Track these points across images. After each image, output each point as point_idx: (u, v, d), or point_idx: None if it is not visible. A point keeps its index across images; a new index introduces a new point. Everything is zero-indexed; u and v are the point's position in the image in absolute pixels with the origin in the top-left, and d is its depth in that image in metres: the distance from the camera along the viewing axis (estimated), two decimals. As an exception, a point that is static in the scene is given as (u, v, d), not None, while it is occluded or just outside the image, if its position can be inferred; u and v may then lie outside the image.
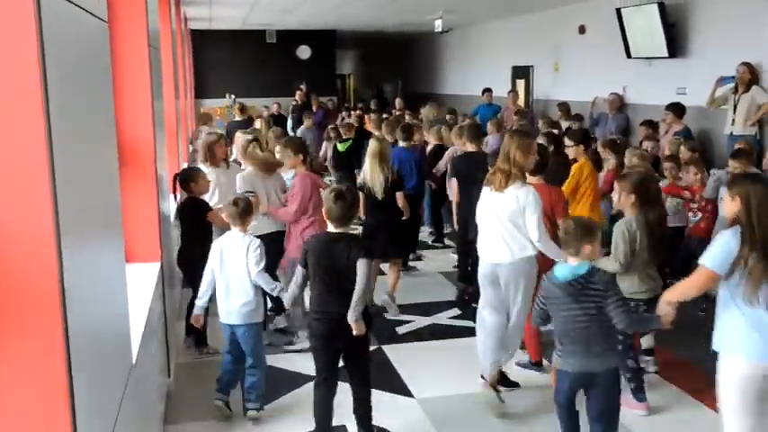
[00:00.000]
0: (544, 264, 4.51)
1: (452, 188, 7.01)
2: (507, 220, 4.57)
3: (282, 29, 19.22)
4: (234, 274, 4.47)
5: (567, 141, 6.85)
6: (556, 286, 3.65)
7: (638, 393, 4.59)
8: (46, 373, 1.90)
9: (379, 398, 4.85)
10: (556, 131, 8.63)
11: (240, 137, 6.42)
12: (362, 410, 4.18)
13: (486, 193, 4.71)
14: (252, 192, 5.35)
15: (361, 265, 3.92)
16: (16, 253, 1.82)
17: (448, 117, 11.94)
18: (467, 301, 6.70)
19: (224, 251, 4.51)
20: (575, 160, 6.53)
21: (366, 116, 12.49)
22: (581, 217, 4.53)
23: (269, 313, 5.69)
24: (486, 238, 4.75)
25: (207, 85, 19.05)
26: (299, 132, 12.33)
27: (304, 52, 19.98)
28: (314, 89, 17.84)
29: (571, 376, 3.67)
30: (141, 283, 4.15)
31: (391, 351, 5.71)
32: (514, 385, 4.98)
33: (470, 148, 6.92)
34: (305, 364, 4.99)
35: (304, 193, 5.59)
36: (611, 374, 3.66)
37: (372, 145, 6.37)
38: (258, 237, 4.82)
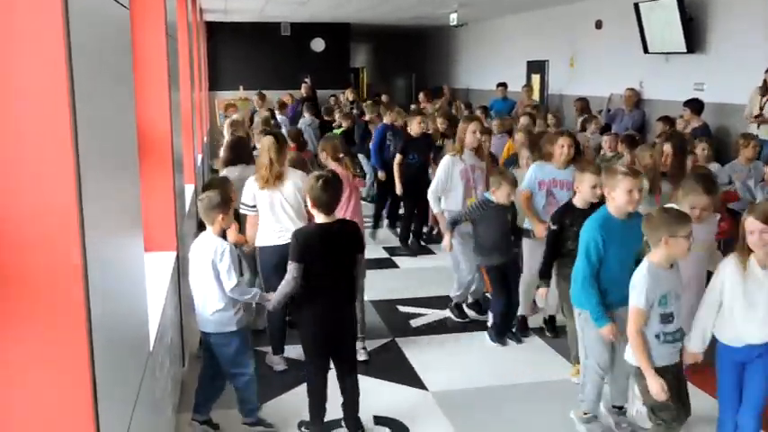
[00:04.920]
0: None
1: None
2: None
3: (297, 21, 19.21)
4: (205, 278, 4.06)
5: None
6: None
7: None
8: (69, 358, 1.90)
9: (392, 390, 4.88)
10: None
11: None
12: (354, 398, 4.26)
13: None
14: (254, 206, 5.09)
15: (359, 260, 4.12)
16: (41, 242, 1.83)
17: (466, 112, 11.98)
18: None
19: (196, 255, 4.13)
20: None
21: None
22: None
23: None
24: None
25: (221, 77, 19.07)
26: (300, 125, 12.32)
27: (318, 45, 19.96)
28: (327, 82, 17.83)
29: None
30: (157, 272, 4.17)
31: (405, 344, 5.71)
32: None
33: None
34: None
35: None
36: None
37: None
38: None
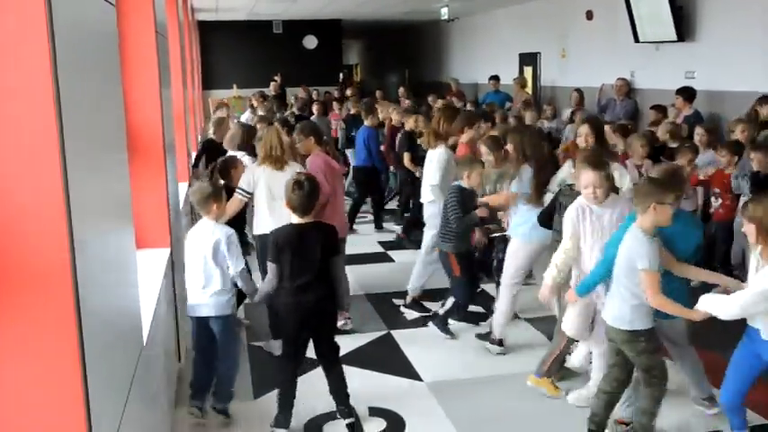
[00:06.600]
0: None
1: None
2: None
3: (288, 19, 19.22)
4: (205, 263, 4.18)
5: None
6: None
7: None
8: (59, 351, 1.92)
9: (387, 382, 4.91)
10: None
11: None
12: (341, 386, 4.33)
13: None
14: (248, 192, 5.30)
15: (334, 264, 4.21)
16: (28, 236, 1.84)
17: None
18: None
19: (194, 241, 4.27)
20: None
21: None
22: None
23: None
24: None
25: (215, 76, 19.09)
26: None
27: (310, 42, 19.98)
28: (321, 79, 17.89)
29: None
30: (151, 268, 4.19)
31: (400, 336, 5.75)
32: None
33: None
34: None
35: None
36: None
37: None
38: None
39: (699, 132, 7.50)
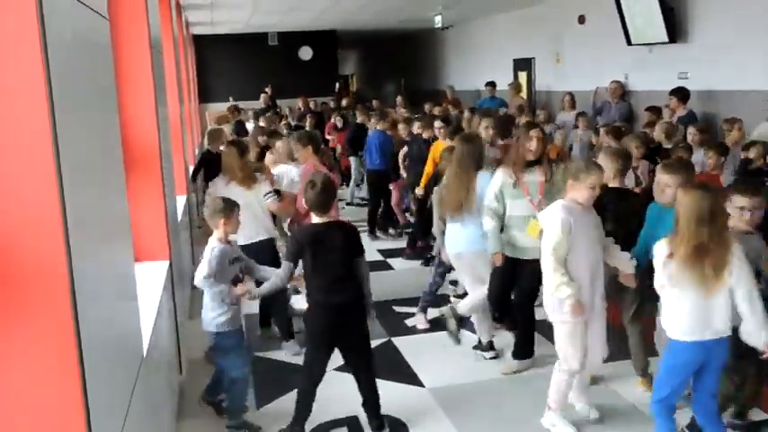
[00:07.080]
0: None
1: None
2: None
3: (283, 31, 19.30)
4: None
5: None
6: None
7: None
8: (58, 365, 1.93)
9: (390, 389, 4.89)
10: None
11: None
12: (372, 398, 4.27)
13: None
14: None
15: (359, 264, 4.10)
16: (25, 251, 1.86)
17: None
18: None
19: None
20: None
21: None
22: None
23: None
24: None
25: (211, 90, 19.15)
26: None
27: (306, 53, 20.05)
28: (317, 90, 17.96)
29: None
30: (150, 281, 4.21)
31: (401, 343, 5.75)
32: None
33: None
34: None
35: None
36: None
37: None
38: (249, 244, 5.17)
39: (691, 132, 7.55)
